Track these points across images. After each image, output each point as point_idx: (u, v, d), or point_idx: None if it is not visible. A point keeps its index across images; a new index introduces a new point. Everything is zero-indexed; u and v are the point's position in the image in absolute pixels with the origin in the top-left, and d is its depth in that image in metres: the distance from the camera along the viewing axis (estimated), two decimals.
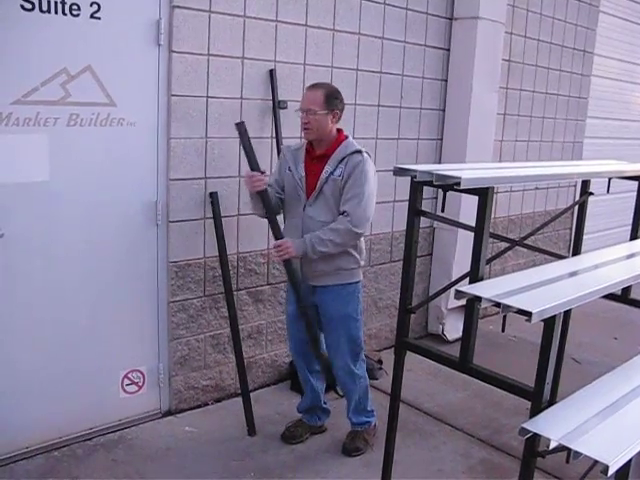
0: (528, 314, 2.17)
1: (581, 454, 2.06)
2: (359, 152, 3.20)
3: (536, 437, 2.25)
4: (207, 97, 3.56)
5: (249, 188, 3.30)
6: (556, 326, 2.30)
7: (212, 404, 3.94)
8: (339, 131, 3.32)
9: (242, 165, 3.77)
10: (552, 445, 2.16)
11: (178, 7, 3.34)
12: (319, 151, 3.28)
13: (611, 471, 2.01)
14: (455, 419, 3.96)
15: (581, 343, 5.28)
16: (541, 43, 5.89)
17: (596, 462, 2.02)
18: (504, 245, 5.10)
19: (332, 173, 3.21)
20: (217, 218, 3.66)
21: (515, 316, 2.24)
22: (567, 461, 2.36)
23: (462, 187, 2.28)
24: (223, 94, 3.63)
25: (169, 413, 3.79)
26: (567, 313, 4.15)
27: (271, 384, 4.25)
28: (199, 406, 3.90)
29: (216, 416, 3.82)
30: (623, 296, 3.77)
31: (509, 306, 2.22)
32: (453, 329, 5.14)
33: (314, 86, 3.30)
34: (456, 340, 4.94)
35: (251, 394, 3.82)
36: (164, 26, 3.32)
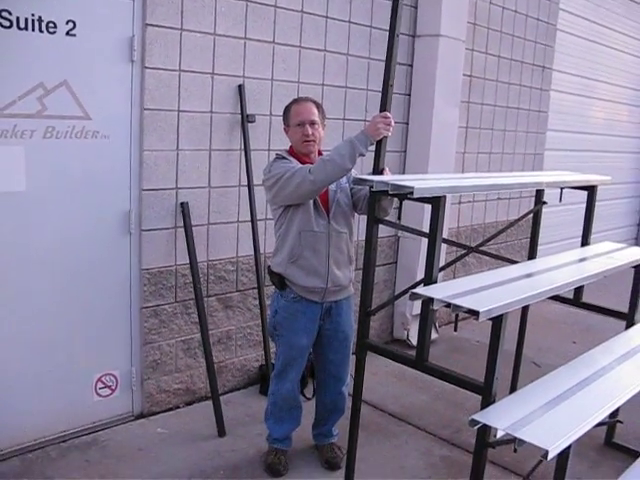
0: (476, 313, 2.35)
1: (525, 442, 2.25)
2: None
3: (486, 428, 2.42)
4: (178, 111, 3.71)
5: (383, 132, 3.01)
6: (503, 325, 2.48)
7: (183, 407, 4.07)
8: None
9: (212, 176, 3.93)
10: (499, 434, 2.34)
11: (151, 25, 3.49)
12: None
13: (551, 456, 2.19)
14: (418, 419, 4.13)
15: (542, 348, 5.49)
16: (501, 59, 6.13)
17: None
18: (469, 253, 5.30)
19: (339, 183, 3.27)
20: (188, 227, 3.80)
21: (479, 322, 2.41)
22: (514, 450, 2.54)
23: (415, 196, 2.46)
24: (194, 108, 3.78)
25: (141, 416, 3.91)
26: (524, 317, 4.36)
27: (241, 388, 4.39)
28: (170, 409, 4.02)
29: (187, 418, 3.95)
30: (575, 299, 3.97)
31: (459, 306, 2.41)
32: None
33: (304, 99, 3.34)
34: None
35: (221, 397, 3.95)
36: (137, 43, 3.47)
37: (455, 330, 2.66)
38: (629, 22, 8.54)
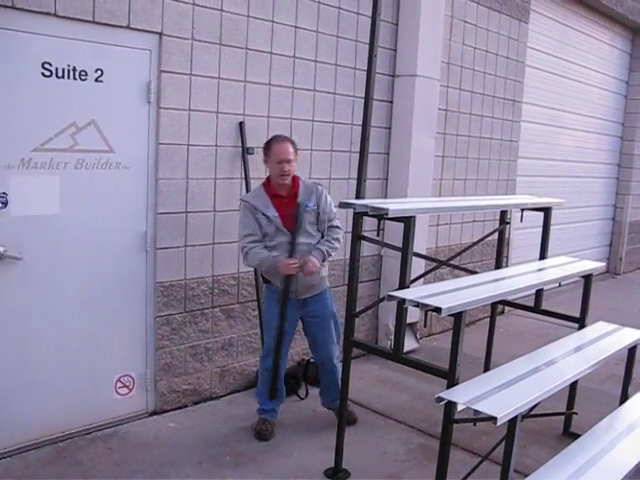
0: (439, 310, 2.90)
1: (480, 412, 2.78)
2: (318, 184, 4.10)
3: (451, 405, 2.95)
4: (188, 145, 4.27)
5: (288, 272, 3.90)
6: (463, 320, 3.03)
7: (191, 406, 4.57)
8: None
9: (217, 201, 4.48)
10: (459, 408, 2.88)
11: (165, 71, 4.06)
12: (284, 192, 4.01)
13: (499, 422, 2.72)
14: (399, 415, 4.65)
15: (513, 355, 5.98)
16: (474, 94, 6.74)
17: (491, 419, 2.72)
18: (447, 269, 5.92)
19: (307, 206, 3.97)
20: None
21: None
22: (474, 424, 3.08)
23: (389, 216, 3.02)
24: (201, 142, 4.34)
25: (154, 413, 4.41)
26: (492, 326, 4.91)
27: (241, 390, 4.89)
28: (180, 407, 4.52)
29: (195, 415, 4.46)
30: (536, 307, 4.51)
31: (426, 304, 2.96)
32: None
33: (284, 139, 4.04)
34: (404, 353, 5.64)
35: (224, 397, 4.50)
36: (153, 87, 4.04)
37: (425, 326, 3.20)
38: (592, 57, 9.20)
